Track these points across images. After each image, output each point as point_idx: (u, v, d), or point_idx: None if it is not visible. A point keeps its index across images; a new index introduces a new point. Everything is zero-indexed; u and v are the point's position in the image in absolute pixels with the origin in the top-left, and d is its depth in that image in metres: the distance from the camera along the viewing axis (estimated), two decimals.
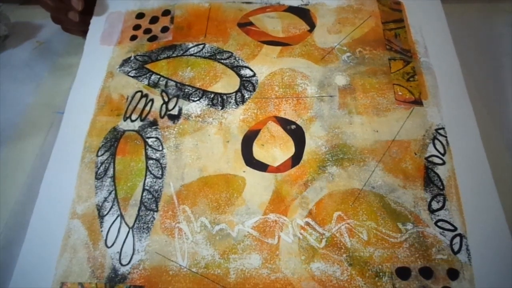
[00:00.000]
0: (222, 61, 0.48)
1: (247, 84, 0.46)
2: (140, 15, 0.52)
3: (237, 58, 0.48)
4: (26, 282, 0.36)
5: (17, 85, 0.54)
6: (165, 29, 0.50)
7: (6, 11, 0.59)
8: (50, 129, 0.48)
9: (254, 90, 0.45)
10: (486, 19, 0.57)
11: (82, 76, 0.48)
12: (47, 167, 0.41)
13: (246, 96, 0.45)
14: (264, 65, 0.47)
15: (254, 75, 0.46)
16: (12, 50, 0.58)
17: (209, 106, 0.44)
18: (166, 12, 0.52)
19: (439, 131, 0.42)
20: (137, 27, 0.51)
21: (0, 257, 0.39)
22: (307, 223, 0.37)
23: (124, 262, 0.36)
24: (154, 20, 0.52)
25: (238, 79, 0.46)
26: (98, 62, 0.48)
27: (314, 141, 0.42)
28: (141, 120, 0.44)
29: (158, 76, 0.47)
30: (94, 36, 0.51)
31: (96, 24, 0.52)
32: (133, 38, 0.50)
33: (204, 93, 0.45)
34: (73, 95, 0.46)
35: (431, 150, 0.40)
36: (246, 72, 0.47)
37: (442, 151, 0.41)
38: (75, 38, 0.58)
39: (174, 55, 0.48)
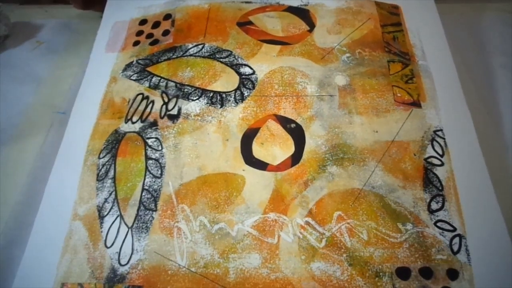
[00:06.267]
0: (221, 59, 0.48)
1: (246, 82, 0.46)
2: (143, 22, 0.53)
3: (236, 57, 0.48)
4: (29, 283, 0.36)
5: (17, 85, 0.53)
6: (166, 33, 0.51)
7: (6, 11, 0.59)
8: (50, 129, 0.48)
9: (254, 88, 0.45)
10: (484, 18, 0.57)
11: (87, 82, 0.48)
12: (52, 170, 0.42)
13: (246, 94, 0.45)
14: (264, 63, 0.47)
15: (254, 73, 0.46)
16: (12, 50, 0.58)
17: (208, 104, 0.44)
18: (168, 16, 0.52)
19: (438, 132, 0.42)
20: (140, 33, 0.52)
21: (0, 257, 0.39)
22: (307, 223, 0.37)
23: (123, 262, 0.36)
24: (156, 25, 0.52)
25: (237, 77, 0.46)
26: (103, 69, 0.49)
27: (314, 140, 0.42)
28: (142, 122, 0.44)
29: (159, 78, 0.47)
30: (100, 44, 0.52)
31: (103, 33, 0.53)
32: (136, 43, 0.51)
33: (203, 92, 0.45)
34: (78, 101, 0.47)
35: (429, 152, 0.40)
36: (245, 70, 0.47)
37: (440, 152, 0.41)
38: (75, 38, 0.58)
39: (174, 56, 0.48)
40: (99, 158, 0.42)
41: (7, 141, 0.48)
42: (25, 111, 0.51)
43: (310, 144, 0.41)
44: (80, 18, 0.61)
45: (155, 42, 0.50)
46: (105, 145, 0.43)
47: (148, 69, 0.48)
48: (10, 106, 0.51)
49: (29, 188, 0.43)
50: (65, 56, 0.57)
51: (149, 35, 0.51)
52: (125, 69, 0.48)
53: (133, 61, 0.49)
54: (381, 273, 0.35)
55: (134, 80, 0.47)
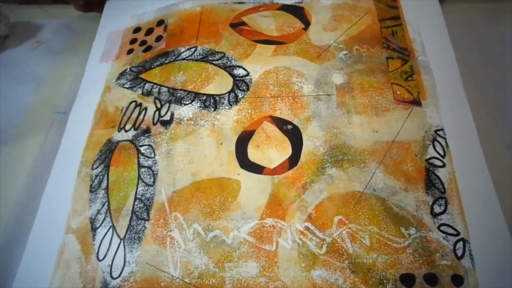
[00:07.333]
0: (214, 62, 0.47)
1: (240, 83, 0.45)
2: (137, 29, 0.53)
3: (229, 58, 0.47)
4: None
5: (17, 85, 0.53)
6: (159, 38, 0.50)
7: (6, 11, 0.59)
8: (50, 129, 0.48)
9: (248, 89, 0.44)
10: (485, 19, 0.56)
11: (82, 94, 0.48)
12: (47, 183, 0.41)
13: (240, 96, 0.44)
14: (258, 64, 0.46)
15: (248, 74, 0.45)
16: (12, 50, 0.58)
17: (201, 108, 0.43)
18: (160, 22, 0.52)
19: (438, 132, 0.40)
20: (133, 41, 0.51)
21: (0, 257, 0.39)
22: (307, 228, 0.36)
23: (114, 275, 0.35)
24: (149, 31, 0.52)
25: (231, 79, 0.45)
26: (97, 79, 0.48)
27: (312, 142, 0.40)
28: (135, 129, 0.43)
29: (151, 84, 0.46)
30: (95, 55, 0.51)
31: (98, 44, 0.52)
32: (130, 51, 0.50)
33: (196, 95, 0.44)
34: (73, 112, 0.46)
35: (431, 152, 0.39)
36: (239, 72, 0.45)
37: (442, 153, 0.39)
38: (75, 38, 0.58)
39: (166, 61, 0.48)
40: (92, 169, 0.41)
41: (7, 141, 0.48)
42: (25, 111, 0.51)
43: (308, 145, 0.40)
44: (80, 18, 0.61)
45: (148, 48, 0.50)
46: (98, 156, 0.42)
47: (141, 76, 0.47)
48: (10, 106, 0.51)
49: (29, 188, 0.43)
50: (65, 56, 0.57)
51: (143, 42, 0.51)
52: (118, 78, 0.48)
53: (126, 69, 0.48)
54: (385, 280, 0.33)
55: (127, 88, 0.47)
